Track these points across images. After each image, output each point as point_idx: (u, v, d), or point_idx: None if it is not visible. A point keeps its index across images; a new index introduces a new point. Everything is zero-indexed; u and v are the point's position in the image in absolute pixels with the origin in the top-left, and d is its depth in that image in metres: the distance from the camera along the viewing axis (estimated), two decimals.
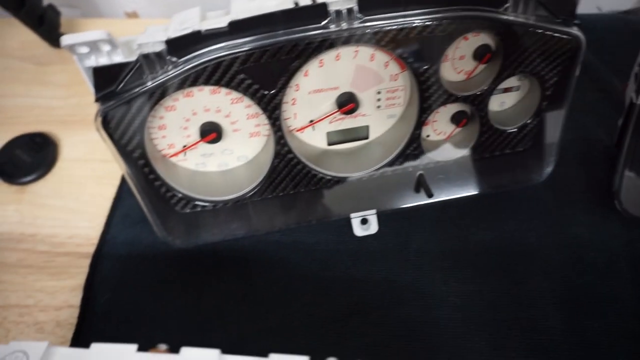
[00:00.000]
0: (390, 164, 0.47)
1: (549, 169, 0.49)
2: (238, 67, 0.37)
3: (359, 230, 0.50)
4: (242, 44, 0.36)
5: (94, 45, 0.34)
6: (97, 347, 0.27)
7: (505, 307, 0.45)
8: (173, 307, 0.46)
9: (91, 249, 0.50)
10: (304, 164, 0.45)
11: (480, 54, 0.42)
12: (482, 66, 0.44)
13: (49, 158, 0.56)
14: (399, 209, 0.49)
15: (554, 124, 0.47)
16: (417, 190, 0.49)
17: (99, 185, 0.55)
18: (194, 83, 0.38)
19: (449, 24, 0.38)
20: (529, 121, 0.47)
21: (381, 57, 0.42)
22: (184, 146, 0.44)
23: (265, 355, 0.27)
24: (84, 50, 0.35)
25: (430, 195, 0.47)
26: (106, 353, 0.27)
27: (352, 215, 0.49)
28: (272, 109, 0.41)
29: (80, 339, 0.44)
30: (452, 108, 0.47)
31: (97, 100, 0.37)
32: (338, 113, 0.45)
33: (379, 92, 0.45)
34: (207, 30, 0.35)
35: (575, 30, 0.40)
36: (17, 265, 0.50)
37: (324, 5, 0.36)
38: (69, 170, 0.56)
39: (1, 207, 0.54)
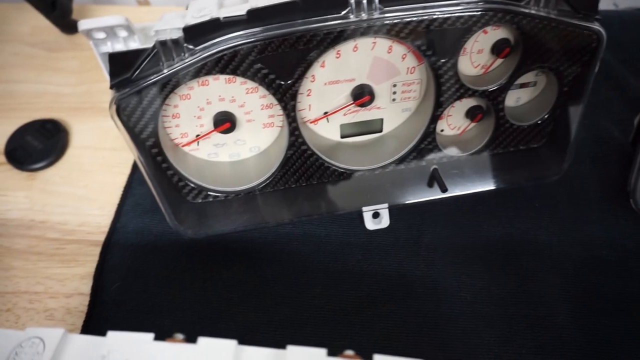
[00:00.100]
0: (404, 158, 0.47)
1: (564, 166, 0.48)
2: (255, 56, 0.37)
3: (370, 224, 0.49)
4: (260, 33, 0.36)
5: (110, 31, 0.34)
6: (113, 335, 0.27)
7: (515, 303, 0.45)
8: (182, 296, 0.46)
9: (101, 237, 0.50)
10: (317, 156, 0.45)
11: (499, 48, 0.42)
12: (499, 60, 0.44)
13: (59, 145, 0.56)
14: (411, 203, 0.49)
15: (571, 120, 0.46)
16: (430, 184, 0.49)
17: (110, 173, 0.55)
18: (210, 72, 0.37)
19: (470, 16, 0.37)
20: (545, 117, 0.47)
21: (399, 49, 0.41)
22: (197, 135, 0.44)
23: (277, 346, 0.27)
24: (101, 35, 0.34)
25: (444, 190, 0.47)
26: (123, 341, 0.26)
27: (364, 208, 0.49)
28: (287, 99, 0.40)
29: (90, 327, 0.44)
30: (468, 102, 0.47)
31: (112, 87, 0.36)
32: (353, 105, 0.44)
33: (394, 85, 0.44)
34: (225, 18, 0.34)
35: (596, 26, 0.39)
36: (27, 251, 0.49)
37: None
38: (79, 158, 0.56)
39: (11, 193, 0.54)
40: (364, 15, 0.36)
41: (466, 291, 0.46)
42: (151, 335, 0.27)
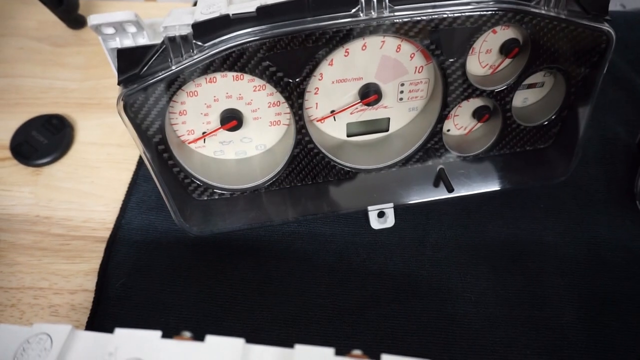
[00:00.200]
0: (410, 157, 0.47)
1: (571, 167, 0.48)
2: (263, 53, 0.37)
3: (375, 223, 0.49)
4: (269, 30, 0.36)
5: (119, 26, 0.34)
6: (121, 332, 0.27)
7: (520, 304, 0.45)
8: (187, 294, 0.46)
9: (106, 233, 0.50)
10: (323, 155, 0.45)
11: (507, 48, 0.42)
12: (508, 60, 0.44)
13: (65, 140, 0.56)
14: (416, 203, 0.49)
15: (578, 121, 0.46)
16: (436, 184, 0.48)
17: (115, 169, 0.55)
18: (218, 68, 0.37)
19: (480, 15, 0.37)
20: (552, 118, 0.47)
21: (407, 48, 0.41)
22: (204, 133, 0.44)
23: (282, 345, 0.27)
24: (110, 31, 0.34)
25: (450, 190, 0.46)
26: (130, 339, 0.26)
27: (369, 208, 0.48)
28: (295, 97, 0.40)
29: (95, 323, 0.44)
30: (475, 103, 0.46)
31: (119, 83, 0.36)
32: (360, 104, 0.44)
33: (402, 84, 0.44)
34: (235, 15, 0.34)
35: (606, 26, 0.39)
36: (32, 247, 0.49)
37: None
38: (84, 154, 0.56)
39: (17, 189, 0.54)
40: (373, 14, 0.36)
41: (471, 291, 0.46)
42: (159, 333, 0.26)
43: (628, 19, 0.66)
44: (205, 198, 0.46)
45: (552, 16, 0.38)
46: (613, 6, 0.70)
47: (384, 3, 0.36)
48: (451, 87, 0.42)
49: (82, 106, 0.60)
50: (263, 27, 0.36)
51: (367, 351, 0.27)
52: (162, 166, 0.42)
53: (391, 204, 0.48)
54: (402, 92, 0.45)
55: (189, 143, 0.45)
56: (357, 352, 0.27)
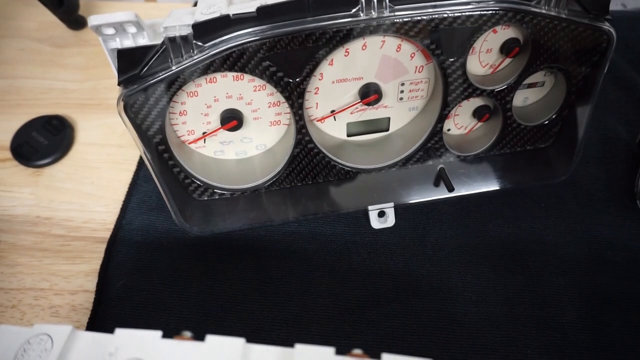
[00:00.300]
0: (410, 157, 0.47)
1: (571, 167, 0.48)
2: (264, 53, 0.37)
3: (376, 223, 0.49)
4: (269, 30, 0.36)
5: (119, 27, 0.34)
6: (121, 333, 0.27)
7: (520, 303, 0.45)
8: (188, 294, 0.46)
9: (106, 234, 0.50)
10: (323, 154, 0.45)
11: (508, 48, 0.42)
12: (508, 60, 0.44)
13: (65, 141, 0.56)
14: (417, 202, 0.49)
15: (578, 121, 0.46)
16: (436, 184, 0.48)
17: (116, 170, 0.55)
18: (218, 69, 0.37)
19: (480, 15, 0.37)
20: (552, 117, 0.47)
21: (407, 48, 0.41)
22: (204, 133, 0.44)
23: (283, 344, 0.27)
24: (110, 31, 0.34)
25: (451, 190, 0.46)
26: (131, 339, 0.26)
27: (370, 207, 0.48)
28: (295, 97, 0.40)
29: (96, 324, 0.44)
30: (475, 102, 0.46)
31: (119, 83, 0.36)
32: (360, 104, 0.44)
33: (402, 84, 0.44)
34: (235, 15, 0.34)
35: (606, 26, 0.39)
36: (33, 248, 0.49)
37: None
38: (85, 154, 0.56)
39: (17, 190, 0.54)
40: (373, 14, 0.36)
41: (471, 291, 0.46)
42: (159, 333, 0.26)
43: (629, 19, 0.66)
44: (206, 198, 0.46)
45: (553, 16, 0.38)
46: (614, 5, 0.70)
47: (384, 3, 0.36)
48: (451, 86, 0.42)
49: (82, 107, 0.60)
50: (263, 27, 0.36)
51: (368, 350, 0.27)
52: (162, 166, 0.42)
53: (391, 204, 0.48)
54: (402, 91, 0.45)
55: (189, 143, 0.45)
56: (357, 351, 0.27)
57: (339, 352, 0.26)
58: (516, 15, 0.38)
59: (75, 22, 0.66)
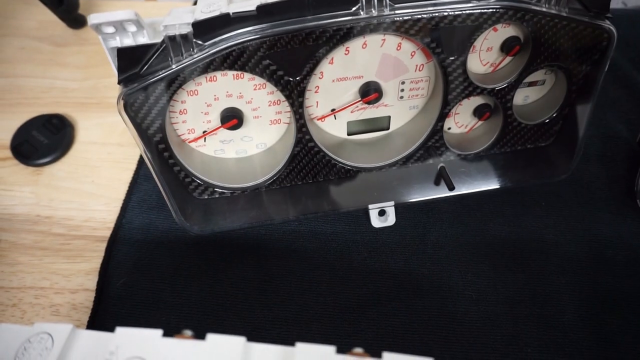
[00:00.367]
0: (411, 156, 0.47)
1: (572, 165, 0.48)
2: (264, 52, 0.37)
3: (376, 222, 0.49)
4: (269, 28, 0.36)
5: (119, 26, 0.34)
6: (121, 331, 0.27)
7: (520, 302, 0.45)
8: (188, 293, 0.46)
9: (107, 232, 0.50)
10: (324, 153, 0.45)
11: (508, 46, 0.42)
12: (509, 58, 0.44)
13: (65, 140, 0.56)
14: (417, 201, 0.49)
15: (579, 119, 0.46)
16: (437, 183, 0.48)
17: (115, 168, 0.55)
18: (218, 67, 0.37)
19: (481, 13, 0.37)
20: (553, 116, 0.47)
21: (408, 46, 0.41)
22: (204, 132, 0.44)
23: (283, 343, 0.27)
24: (110, 30, 0.34)
25: (451, 189, 0.46)
26: (131, 337, 0.26)
27: (370, 206, 0.48)
28: (295, 96, 0.40)
29: (96, 323, 0.44)
30: (475, 101, 0.46)
31: (119, 82, 0.36)
32: (360, 103, 0.44)
33: (402, 83, 0.44)
34: (235, 13, 0.34)
35: (607, 24, 0.39)
36: (33, 247, 0.49)
37: None
38: (85, 153, 0.56)
39: (17, 188, 0.54)
40: (374, 12, 0.36)
41: (472, 289, 0.46)
42: (160, 332, 0.26)
43: (630, 17, 0.66)
44: (206, 197, 0.46)
45: (553, 14, 0.38)
46: (614, 4, 0.70)
47: (384, 1, 0.36)
48: (452, 85, 0.42)
49: (82, 105, 0.60)
50: (263, 25, 0.36)
51: (369, 349, 0.27)
52: (162, 165, 0.42)
53: (392, 203, 0.48)
54: (402, 90, 0.45)
55: (190, 142, 0.45)
56: (358, 350, 0.27)
57: (339, 350, 0.26)
58: (517, 13, 0.38)
59: (75, 20, 0.66)
